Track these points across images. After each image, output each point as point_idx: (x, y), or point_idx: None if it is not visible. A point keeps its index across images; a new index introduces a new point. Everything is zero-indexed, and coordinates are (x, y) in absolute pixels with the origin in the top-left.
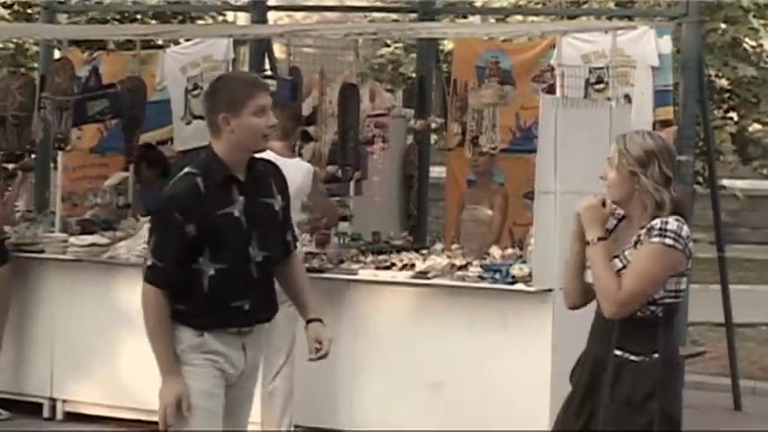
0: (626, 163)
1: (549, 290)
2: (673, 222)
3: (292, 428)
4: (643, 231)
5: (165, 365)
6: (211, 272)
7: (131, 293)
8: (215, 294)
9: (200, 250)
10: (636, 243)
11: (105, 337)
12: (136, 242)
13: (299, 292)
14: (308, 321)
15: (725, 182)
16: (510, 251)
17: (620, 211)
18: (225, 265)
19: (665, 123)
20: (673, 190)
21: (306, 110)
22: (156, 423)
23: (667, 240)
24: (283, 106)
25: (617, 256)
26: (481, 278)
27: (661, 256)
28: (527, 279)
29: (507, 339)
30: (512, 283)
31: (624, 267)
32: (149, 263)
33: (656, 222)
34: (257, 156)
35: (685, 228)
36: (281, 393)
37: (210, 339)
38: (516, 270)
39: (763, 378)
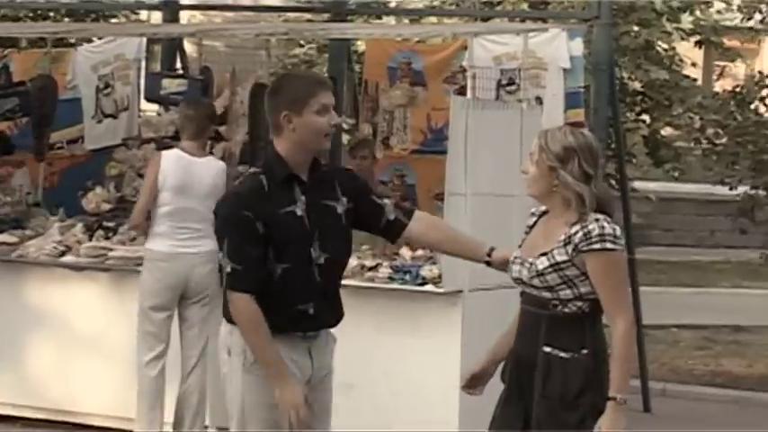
0: (545, 158)
1: (459, 291)
2: (607, 226)
3: (204, 429)
4: (574, 231)
5: (279, 371)
6: (278, 271)
7: (40, 293)
8: (281, 296)
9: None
10: (566, 243)
11: (13, 337)
12: (46, 241)
13: (453, 236)
14: (488, 254)
15: (637, 184)
16: (420, 252)
17: (543, 207)
18: (289, 265)
19: (576, 125)
20: (594, 187)
21: (217, 109)
22: (64, 423)
23: (608, 245)
24: (198, 104)
25: (545, 254)
26: (391, 279)
27: (616, 263)
28: (437, 280)
29: (417, 341)
30: (422, 285)
31: (552, 267)
32: (228, 269)
33: (593, 227)
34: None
35: (617, 227)
36: (193, 393)
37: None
38: (426, 271)
39: (673, 380)
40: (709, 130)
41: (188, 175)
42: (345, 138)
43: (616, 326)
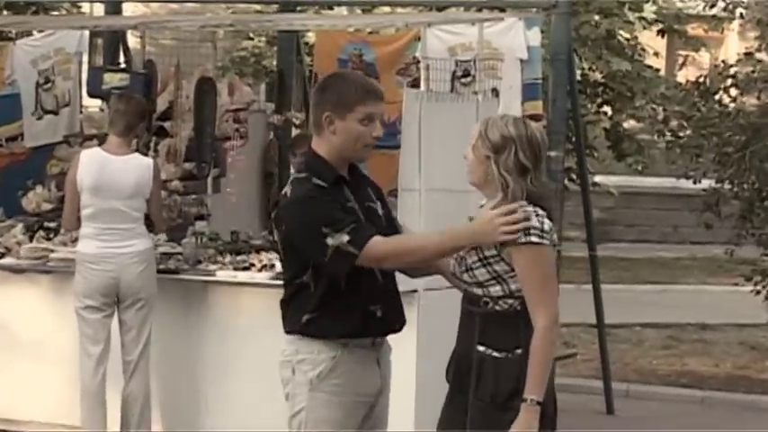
0: (481, 146)
1: (414, 291)
2: (534, 219)
3: None
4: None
5: (453, 236)
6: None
7: None
8: (350, 297)
9: None
10: None
11: None
12: None
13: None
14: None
15: (598, 178)
16: None
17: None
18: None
19: (534, 118)
20: (530, 181)
21: (162, 104)
22: None
23: (533, 239)
24: (129, 99)
25: (475, 248)
26: None
27: (540, 257)
28: None
29: None
30: None
31: (480, 261)
32: (345, 237)
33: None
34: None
35: (546, 221)
36: (137, 399)
37: (346, 358)
38: None
39: (637, 380)
40: (673, 122)
41: (105, 175)
42: (295, 133)
43: (536, 323)
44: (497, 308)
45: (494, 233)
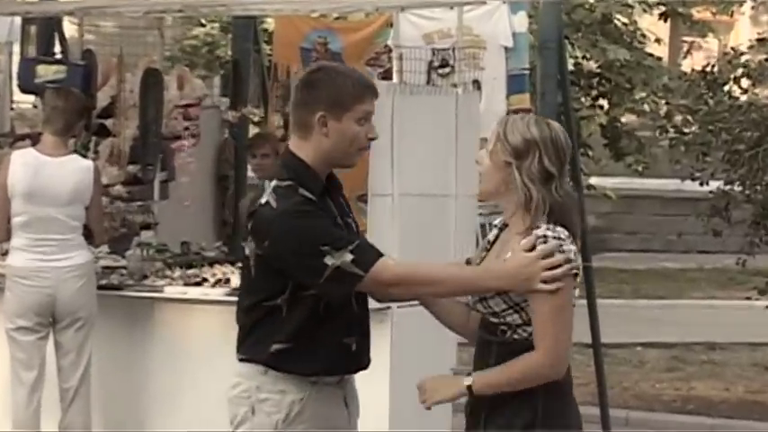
0: (501, 150)
1: (386, 308)
2: (552, 240)
3: None
4: (519, 246)
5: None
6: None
7: None
8: (327, 326)
9: None
10: None
11: None
12: None
13: None
14: None
15: (594, 180)
16: None
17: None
18: None
19: (521, 113)
20: (555, 190)
21: (103, 100)
22: None
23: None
24: (67, 95)
25: None
26: None
27: (562, 291)
28: None
29: None
30: None
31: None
32: (348, 257)
33: (537, 243)
34: None
35: (573, 248)
36: (75, 430)
37: (314, 398)
38: None
39: (638, 407)
40: (677, 117)
41: (40, 179)
42: (253, 131)
43: (535, 353)
44: (515, 336)
45: (534, 280)
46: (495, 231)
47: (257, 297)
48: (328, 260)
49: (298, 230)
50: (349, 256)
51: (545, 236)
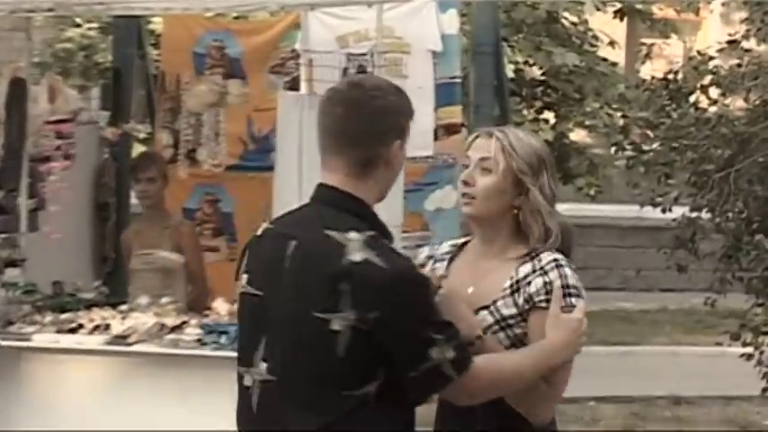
0: (514, 165)
1: None
2: (570, 274)
3: None
4: (524, 275)
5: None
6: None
7: None
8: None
9: None
10: (514, 290)
11: None
12: None
13: None
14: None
15: None
16: None
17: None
18: None
19: (452, 128)
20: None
21: None
22: None
23: (573, 301)
24: None
25: (485, 308)
26: (201, 343)
27: (579, 330)
28: None
29: None
30: None
31: (498, 324)
32: (443, 356)
33: (555, 276)
34: None
35: (576, 277)
36: None
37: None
38: None
39: None
40: (635, 132)
41: None
42: (139, 151)
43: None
44: None
45: (579, 346)
46: (447, 247)
47: (343, 384)
48: (434, 353)
49: (417, 304)
50: (451, 353)
51: (557, 259)
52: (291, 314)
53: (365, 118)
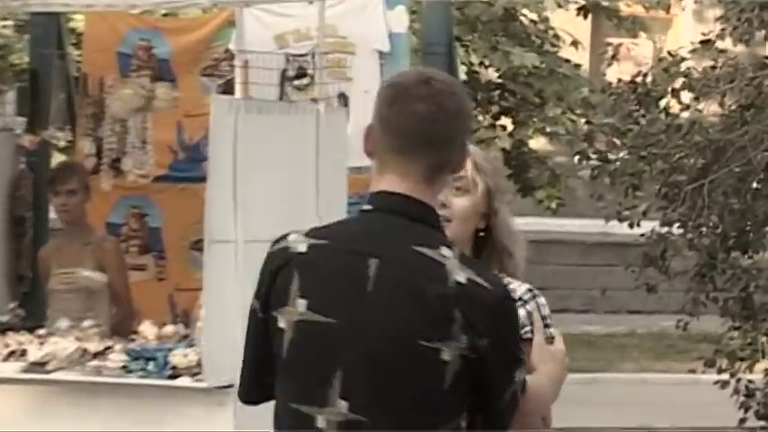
0: (492, 186)
1: (229, 386)
2: (545, 304)
3: None
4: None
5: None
6: None
7: None
8: None
9: None
10: None
11: None
12: None
13: None
14: None
15: None
16: (170, 329)
17: None
18: None
19: None
20: None
21: None
22: None
23: (551, 330)
24: None
25: None
26: (127, 370)
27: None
28: (195, 371)
29: None
30: (173, 377)
31: None
32: (521, 377)
33: (532, 306)
34: None
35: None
36: None
37: None
38: (179, 357)
39: None
40: (601, 140)
41: None
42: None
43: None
44: None
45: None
46: None
47: (442, 419)
48: (517, 374)
49: (517, 325)
50: (523, 374)
51: (531, 289)
52: (385, 344)
53: (450, 117)
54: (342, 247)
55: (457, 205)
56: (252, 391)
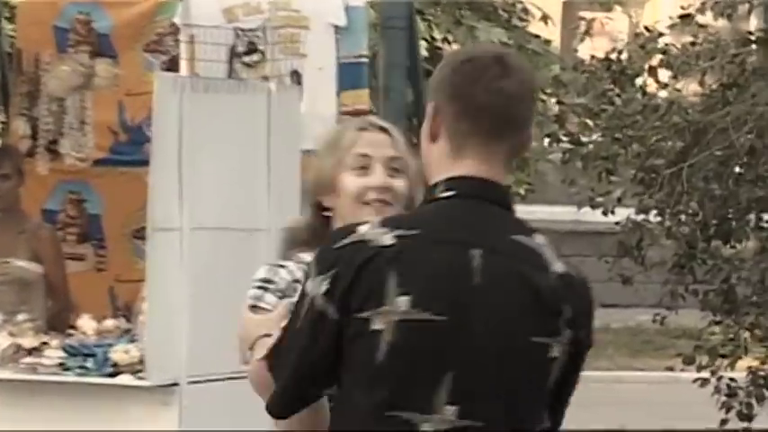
0: (419, 168)
1: (173, 384)
2: None
3: None
4: None
5: None
6: None
7: None
8: None
9: None
10: None
11: None
12: None
13: None
14: None
15: None
16: (111, 323)
17: None
18: None
19: (358, 115)
20: None
21: None
22: None
23: None
24: None
25: None
26: (64, 367)
27: None
28: (137, 368)
29: None
30: (113, 375)
31: None
32: None
33: None
34: None
35: None
36: None
37: None
38: (119, 354)
39: None
40: (573, 121)
41: None
42: None
43: None
44: None
45: None
46: None
47: (541, 421)
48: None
49: None
50: None
51: None
52: (498, 342)
53: (531, 96)
54: (439, 238)
55: (397, 188)
56: (294, 402)
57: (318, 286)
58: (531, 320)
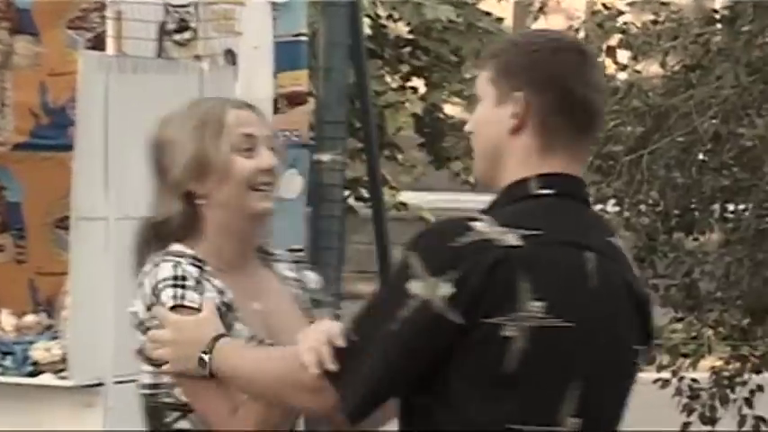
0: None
1: (98, 384)
2: None
3: None
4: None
5: None
6: None
7: None
8: None
9: None
10: None
11: None
12: None
13: None
14: None
15: (405, 196)
16: (31, 319)
17: None
18: None
19: (296, 98)
20: None
21: None
22: None
23: None
24: None
25: None
26: None
27: None
28: (59, 367)
29: None
30: (33, 375)
31: None
32: None
33: None
34: None
35: None
36: None
37: None
38: (40, 352)
39: None
40: None
41: None
42: None
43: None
44: None
45: None
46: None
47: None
48: None
49: None
50: None
51: None
52: (615, 349)
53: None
54: (559, 239)
55: (278, 170)
56: (370, 408)
57: (435, 288)
58: (635, 327)
